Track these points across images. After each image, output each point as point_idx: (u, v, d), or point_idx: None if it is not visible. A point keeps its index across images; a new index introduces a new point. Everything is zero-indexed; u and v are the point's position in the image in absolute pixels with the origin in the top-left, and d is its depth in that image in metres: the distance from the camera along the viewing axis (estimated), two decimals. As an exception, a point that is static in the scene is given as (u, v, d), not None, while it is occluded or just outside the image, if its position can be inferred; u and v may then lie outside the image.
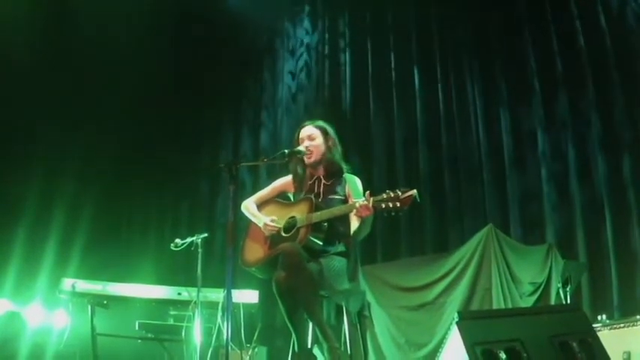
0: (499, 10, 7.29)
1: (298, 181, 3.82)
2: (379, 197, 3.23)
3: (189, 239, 5.22)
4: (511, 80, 7.19)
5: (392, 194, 3.19)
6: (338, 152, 3.83)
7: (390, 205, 3.18)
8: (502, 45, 7.34)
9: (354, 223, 3.54)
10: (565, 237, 6.36)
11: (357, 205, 3.31)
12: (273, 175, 4.56)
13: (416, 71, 7.83)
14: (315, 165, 3.78)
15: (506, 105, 7.15)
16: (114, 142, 7.52)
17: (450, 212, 7.21)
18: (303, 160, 3.78)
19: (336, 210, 3.49)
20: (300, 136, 3.82)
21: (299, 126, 3.93)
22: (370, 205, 3.25)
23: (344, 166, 3.81)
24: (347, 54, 8.45)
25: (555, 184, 6.62)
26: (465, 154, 7.30)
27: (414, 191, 3.19)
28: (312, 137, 3.78)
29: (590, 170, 6.42)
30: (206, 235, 5.27)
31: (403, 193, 3.18)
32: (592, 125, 6.46)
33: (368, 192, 3.33)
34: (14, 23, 6.74)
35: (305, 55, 8.73)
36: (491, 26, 7.42)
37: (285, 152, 3.74)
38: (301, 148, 3.76)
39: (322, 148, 3.78)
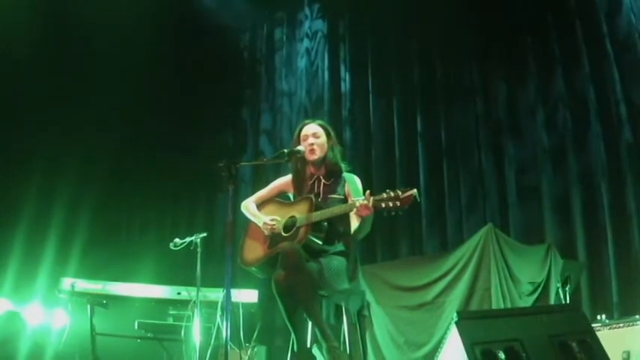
0: (500, 11, 7.30)
1: (299, 180, 3.82)
2: (379, 197, 3.24)
3: (188, 239, 5.22)
4: (512, 79, 7.22)
5: (392, 194, 3.20)
6: (339, 152, 3.84)
7: (390, 204, 3.18)
8: (502, 43, 7.36)
9: (355, 223, 3.55)
10: (564, 236, 6.37)
11: (357, 204, 3.31)
12: (273, 175, 4.55)
13: (415, 70, 7.84)
14: (317, 163, 3.77)
15: (507, 103, 7.17)
16: (113, 141, 7.50)
17: (449, 211, 7.22)
18: (303, 159, 3.77)
19: (336, 209, 3.49)
20: (304, 133, 3.81)
21: (300, 124, 3.93)
22: (370, 204, 3.25)
23: (343, 166, 3.81)
24: (347, 54, 8.46)
25: (555, 186, 6.62)
26: (464, 154, 7.30)
27: (414, 191, 3.19)
28: (317, 135, 3.78)
29: (590, 172, 6.42)
30: (205, 234, 5.28)
31: (403, 192, 3.18)
32: (592, 126, 6.47)
33: (368, 191, 3.33)
34: (14, 24, 6.73)
35: (305, 56, 8.75)
36: (492, 28, 7.43)
37: (284, 152, 3.73)
38: (300, 147, 3.75)
39: (326, 146, 3.78)
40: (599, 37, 6.51)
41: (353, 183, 3.71)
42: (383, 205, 3.20)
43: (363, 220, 3.44)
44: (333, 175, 3.76)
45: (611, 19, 6.49)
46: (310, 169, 3.81)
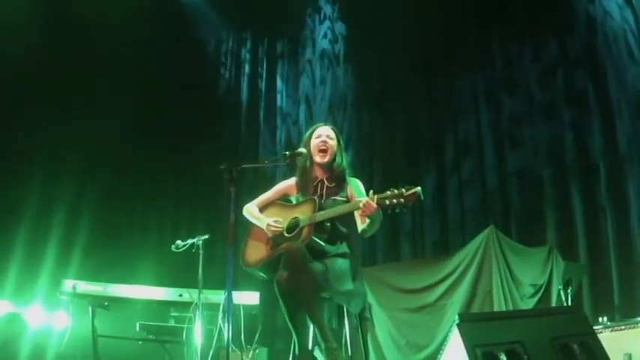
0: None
1: (303, 182, 3.80)
2: (383, 195, 3.25)
3: (190, 241, 5.22)
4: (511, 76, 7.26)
5: (396, 191, 3.21)
6: (346, 159, 3.83)
7: (395, 201, 3.20)
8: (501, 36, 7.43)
9: (360, 222, 3.55)
10: (566, 238, 6.37)
11: (361, 204, 3.31)
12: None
13: (416, 70, 7.86)
14: (325, 166, 3.77)
15: (508, 100, 7.22)
16: (114, 142, 7.50)
17: (451, 214, 7.22)
18: (311, 161, 3.77)
19: (340, 208, 3.49)
20: (318, 133, 3.80)
21: (313, 126, 3.92)
22: (374, 202, 3.26)
23: (348, 172, 3.81)
24: (348, 52, 8.49)
25: (556, 189, 6.63)
26: (467, 155, 7.32)
27: (419, 189, 3.20)
28: (330, 137, 3.79)
29: (591, 174, 6.43)
30: (207, 236, 5.27)
31: (407, 190, 3.20)
32: (594, 134, 6.48)
33: (372, 191, 3.34)
34: (15, 24, 6.74)
35: (305, 54, 8.80)
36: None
37: (285, 154, 3.74)
38: (302, 149, 3.75)
39: (336, 149, 3.78)
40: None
41: (356, 186, 3.72)
42: (387, 202, 3.22)
43: (371, 220, 3.43)
44: (337, 180, 3.76)
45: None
46: (316, 172, 3.80)
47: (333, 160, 3.75)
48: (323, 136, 3.77)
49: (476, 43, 7.56)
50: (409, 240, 7.43)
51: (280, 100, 8.86)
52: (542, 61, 7.03)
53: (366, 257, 6.97)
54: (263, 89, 8.97)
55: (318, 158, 3.74)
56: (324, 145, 3.73)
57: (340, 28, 8.63)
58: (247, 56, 9.18)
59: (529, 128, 7.02)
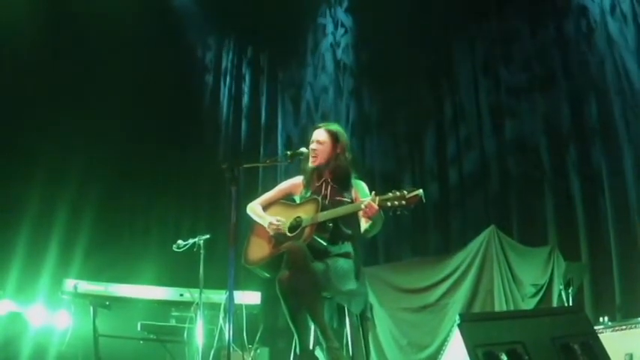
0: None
1: (307, 182, 3.81)
2: (385, 196, 3.26)
3: (191, 240, 5.22)
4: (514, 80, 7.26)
5: (398, 193, 3.23)
6: (347, 159, 3.77)
7: (396, 203, 3.21)
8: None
9: (364, 223, 3.56)
10: (567, 238, 6.35)
11: (363, 205, 3.32)
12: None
13: (419, 67, 7.86)
14: (320, 169, 3.77)
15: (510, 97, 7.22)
16: (116, 142, 7.51)
17: (453, 214, 7.22)
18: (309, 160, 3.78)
19: (342, 209, 3.50)
20: (312, 138, 3.81)
21: (314, 126, 3.93)
22: (376, 204, 3.26)
23: (352, 173, 3.79)
24: (349, 49, 8.49)
25: (557, 190, 6.62)
26: (469, 154, 7.32)
27: (420, 191, 3.21)
28: (320, 141, 3.75)
29: (592, 171, 6.42)
30: (208, 236, 5.28)
31: (409, 192, 3.21)
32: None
33: (374, 192, 3.35)
34: (15, 24, 6.75)
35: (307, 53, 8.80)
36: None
37: (287, 153, 3.76)
38: (303, 149, 3.76)
39: (328, 153, 3.74)
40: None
41: (361, 188, 3.73)
42: (389, 204, 3.23)
43: (373, 221, 3.44)
44: (342, 180, 3.75)
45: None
46: (317, 172, 3.80)
47: (328, 163, 3.74)
48: (314, 142, 3.77)
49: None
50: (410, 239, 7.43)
51: (281, 101, 8.86)
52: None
53: (367, 257, 6.94)
54: (264, 91, 8.96)
55: (311, 162, 3.74)
56: (314, 153, 3.74)
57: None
58: (248, 62, 9.18)
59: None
